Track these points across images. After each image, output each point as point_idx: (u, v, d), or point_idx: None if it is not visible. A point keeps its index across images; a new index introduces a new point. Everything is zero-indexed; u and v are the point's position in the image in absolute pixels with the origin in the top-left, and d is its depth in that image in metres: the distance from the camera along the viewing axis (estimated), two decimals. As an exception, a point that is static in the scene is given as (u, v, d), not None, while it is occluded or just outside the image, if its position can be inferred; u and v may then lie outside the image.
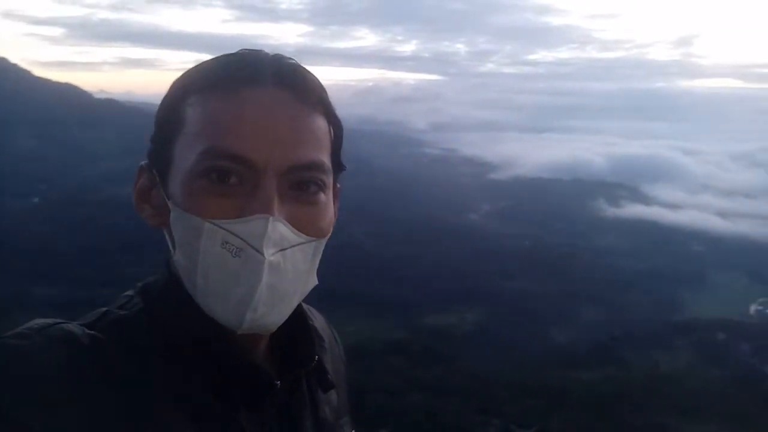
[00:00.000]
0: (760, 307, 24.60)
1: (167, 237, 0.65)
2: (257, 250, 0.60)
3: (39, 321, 0.57)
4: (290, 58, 0.69)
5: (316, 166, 0.63)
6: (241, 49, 0.68)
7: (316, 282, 0.67)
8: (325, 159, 0.65)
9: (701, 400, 16.24)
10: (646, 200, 46.27)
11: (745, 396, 16.42)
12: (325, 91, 0.68)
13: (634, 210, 42.00)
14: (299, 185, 0.62)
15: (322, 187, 0.64)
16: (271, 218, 0.60)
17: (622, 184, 50.84)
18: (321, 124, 0.65)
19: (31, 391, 0.53)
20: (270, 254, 0.60)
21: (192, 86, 0.64)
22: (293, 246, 0.62)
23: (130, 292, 0.66)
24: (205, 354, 0.63)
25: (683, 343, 20.23)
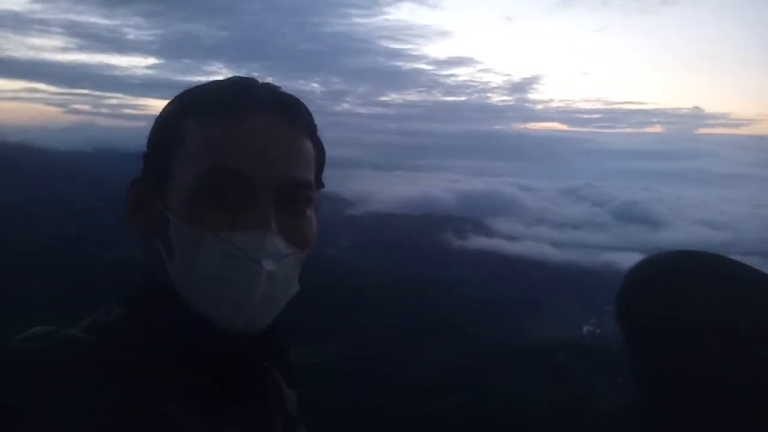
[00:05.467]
0: (591, 328, 27.08)
1: (160, 247, 0.69)
2: (256, 261, 0.65)
3: (40, 328, 0.63)
4: (280, 87, 0.74)
5: (305, 185, 0.71)
6: (235, 76, 0.73)
7: (298, 288, 0.73)
8: (312, 178, 0.72)
9: (546, 419, 17.41)
10: (488, 233, 49.49)
11: (586, 412, 17.88)
12: (312, 117, 0.75)
13: (478, 242, 44.73)
14: (290, 201, 0.69)
15: (309, 203, 0.72)
16: (268, 232, 0.66)
17: (467, 218, 54.01)
18: (309, 146, 0.73)
19: (46, 388, 0.57)
20: (267, 264, 0.66)
21: (192, 108, 0.70)
22: (285, 257, 0.68)
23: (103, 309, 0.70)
24: (197, 346, 0.67)
25: (527, 366, 21.65)
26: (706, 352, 0.85)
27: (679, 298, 0.88)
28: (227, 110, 0.68)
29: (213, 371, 0.67)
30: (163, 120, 0.72)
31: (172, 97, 0.74)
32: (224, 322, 0.66)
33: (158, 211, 0.69)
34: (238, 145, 0.67)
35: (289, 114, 0.71)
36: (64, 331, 0.63)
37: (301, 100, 0.76)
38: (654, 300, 0.91)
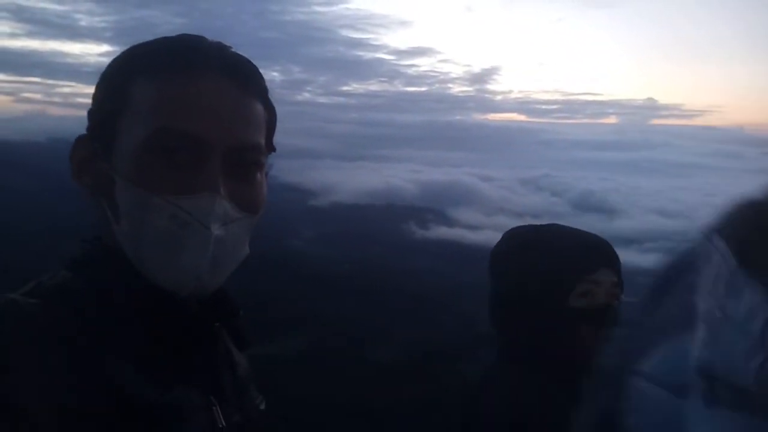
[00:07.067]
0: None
1: (106, 208, 0.69)
2: (204, 225, 0.65)
3: None
4: (231, 47, 0.74)
5: (255, 148, 0.71)
6: (183, 34, 0.70)
7: (248, 252, 0.74)
8: (263, 141, 0.72)
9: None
10: (450, 223, 49.88)
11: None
12: (263, 79, 0.74)
13: (439, 232, 45.11)
14: (240, 165, 0.69)
15: (259, 167, 0.72)
16: (217, 196, 0.66)
17: (429, 208, 54.28)
18: (260, 109, 0.72)
19: None
20: (216, 228, 0.65)
21: (140, 66, 0.69)
22: (234, 221, 0.68)
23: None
24: (145, 307, 0.67)
25: (485, 354, 21.92)
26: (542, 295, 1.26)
27: (524, 258, 1.32)
28: (177, 69, 0.67)
29: (160, 333, 0.67)
30: (110, 76, 0.71)
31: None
32: (172, 286, 0.67)
33: (104, 171, 0.68)
34: (188, 106, 0.66)
35: (240, 75, 0.70)
36: (2, 295, 0.62)
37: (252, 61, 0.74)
38: (510, 262, 1.38)
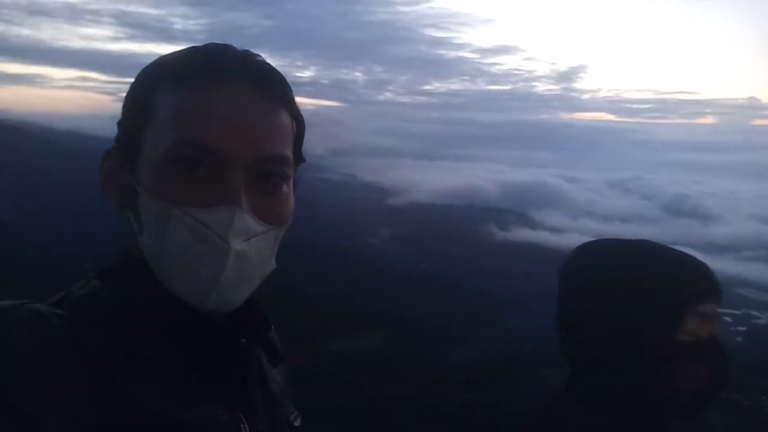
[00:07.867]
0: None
1: (132, 219, 0.67)
2: (223, 240, 0.62)
3: (5, 302, 0.58)
4: (258, 55, 0.71)
5: (280, 160, 0.67)
6: (209, 43, 0.70)
7: (275, 266, 0.70)
8: (289, 153, 0.68)
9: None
10: (532, 225, 48.75)
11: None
12: (290, 88, 0.71)
13: (521, 234, 44.16)
14: (264, 177, 0.66)
15: (284, 178, 0.68)
16: (238, 210, 0.62)
17: (510, 209, 53.34)
18: (285, 119, 0.68)
19: (8, 364, 0.53)
20: (236, 243, 0.63)
21: (164, 76, 0.66)
22: (257, 235, 0.65)
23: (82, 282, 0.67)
24: (170, 322, 0.65)
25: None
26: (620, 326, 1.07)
27: (603, 281, 1.11)
28: (198, 79, 0.65)
29: (185, 347, 0.65)
30: (137, 86, 0.69)
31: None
32: (193, 300, 0.64)
33: (129, 182, 0.66)
34: (209, 117, 0.63)
35: (264, 84, 0.67)
36: (28, 305, 0.59)
37: (284, 74, 0.72)
38: (596, 285, 1.12)
